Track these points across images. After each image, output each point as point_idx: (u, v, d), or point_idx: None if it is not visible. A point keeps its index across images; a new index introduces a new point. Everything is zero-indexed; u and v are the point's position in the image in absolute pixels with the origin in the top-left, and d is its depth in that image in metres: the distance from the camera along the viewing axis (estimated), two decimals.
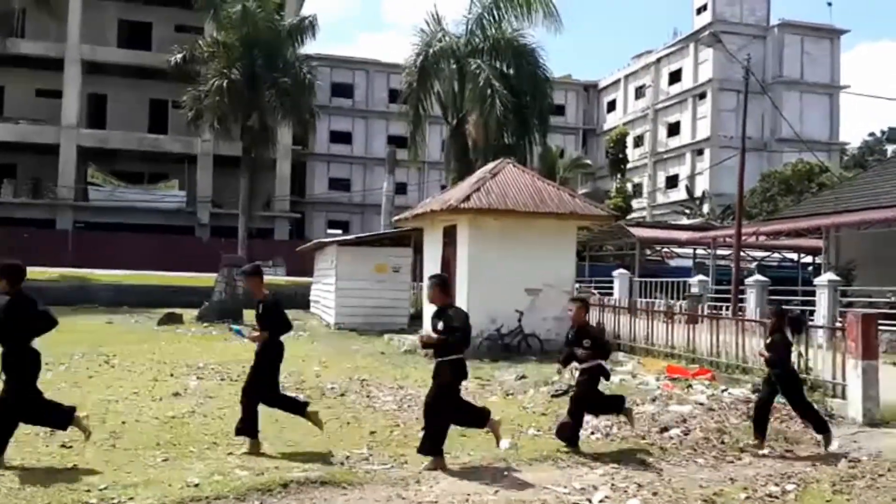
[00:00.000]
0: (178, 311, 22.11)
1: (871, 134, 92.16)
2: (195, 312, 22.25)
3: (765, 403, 8.40)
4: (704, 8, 53.64)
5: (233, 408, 9.48)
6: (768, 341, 8.50)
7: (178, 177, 47.12)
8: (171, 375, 11.84)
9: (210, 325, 20.79)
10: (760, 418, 8.35)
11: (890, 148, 79.07)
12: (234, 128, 32.87)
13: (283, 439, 8.01)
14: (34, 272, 28.64)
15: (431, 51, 26.82)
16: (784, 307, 8.87)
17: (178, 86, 33.85)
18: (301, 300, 28.34)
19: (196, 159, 46.16)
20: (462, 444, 8.11)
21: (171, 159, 46.84)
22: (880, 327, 9.78)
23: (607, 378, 8.08)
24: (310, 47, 35.36)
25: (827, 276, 19.04)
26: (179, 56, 32.23)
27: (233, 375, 12.06)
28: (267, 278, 32.83)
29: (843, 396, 9.84)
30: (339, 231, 51.07)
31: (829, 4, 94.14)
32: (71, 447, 7.33)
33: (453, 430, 8.73)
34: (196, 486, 6.28)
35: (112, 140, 45.41)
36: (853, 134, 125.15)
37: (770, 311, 9.08)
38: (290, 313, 29.88)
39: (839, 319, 12.74)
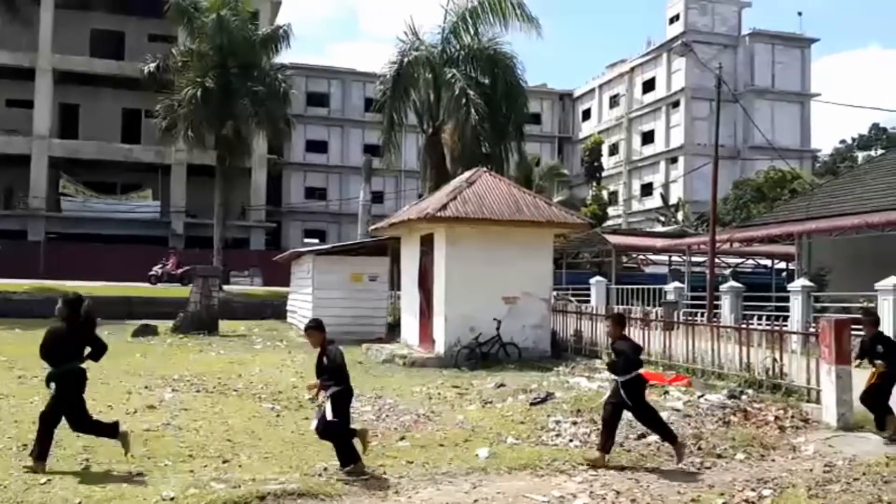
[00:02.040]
0: (152, 322, 21.85)
1: (842, 141, 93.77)
2: (170, 324, 22.01)
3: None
4: (677, 18, 54.29)
5: (209, 420, 9.42)
6: None
7: (152, 187, 46.71)
8: (146, 388, 11.69)
9: (185, 337, 20.57)
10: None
11: (861, 155, 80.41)
12: (209, 137, 32.67)
13: (260, 451, 7.94)
14: (5, 284, 28.34)
15: (407, 60, 26.80)
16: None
17: (151, 95, 33.59)
18: (278, 310, 28.21)
19: (170, 169, 45.79)
20: (441, 453, 8.09)
21: (145, 169, 46.44)
22: (853, 332, 9.87)
23: None
24: (284, 56, 35.27)
25: (800, 282, 19.25)
26: (153, 65, 32.03)
27: (208, 387, 11.95)
28: (243, 288, 32.43)
29: (818, 401, 9.94)
30: (316, 240, 50.91)
31: (800, 14, 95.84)
32: None
33: (432, 440, 8.73)
34: (171, 499, 6.21)
35: (84, 150, 44.93)
36: (824, 141, 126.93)
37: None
38: (267, 323, 29.45)
39: (812, 325, 12.87)
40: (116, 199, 46.54)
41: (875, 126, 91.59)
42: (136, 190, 47.25)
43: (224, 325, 22.85)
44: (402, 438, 8.75)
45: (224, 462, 7.49)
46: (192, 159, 42.13)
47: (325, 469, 7.31)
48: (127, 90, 42.79)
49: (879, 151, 64.80)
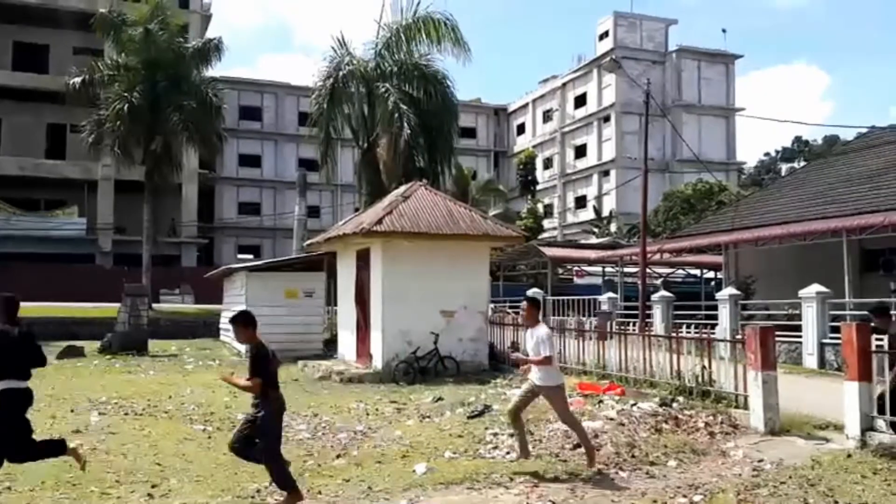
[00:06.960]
0: (79, 343, 21.17)
1: (767, 154, 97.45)
2: (98, 344, 21.35)
3: None
4: (606, 34, 55.53)
5: (138, 444, 9.14)
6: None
7: (78, 203, 45.31)
8: (72, 412, 11.28)
9: (113, 358, 19.97)
10: None
11: (784, 167, 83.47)
12: (137, 152, 31.92)
13: (191, 474, 7.74)
14: None
15: (341, 74, 26.72)
16: None
17: (77, 109, 32.67)
18: (211, 329, 27.64)
19: (97, 185, 44.54)
20: (378, 470, 8.02)
21: (71, 185, 45.02)
22: (778, 339, 10.16)
23: None
24: (216, 69, 34.77)
25: (728, 291, 19.80)
26: (78, 79, 31.15)
27: (137, 409, 11.62)
28: (174, 306, 31.74)
29: (746, 407, 10.19)
30: (251, 256, 50.12)
31: (724, 31, 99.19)
32: None
33: (369, 456, 8.64)
34: None
35: (6, 166, 43.38)
36: (749, 154, 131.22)
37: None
38: (199, 342, 28.86)
39: (739, 332, 13.23)
40: (40, 217, 44.96)
41: (798, 139, 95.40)
42: (61, 207, 45.75)
43: (154, 344, 22.28)
44: (339, 456, 8.64)
45: (153, 487, 7.28)
46: (119, 175, 40.89)
47: (258, 491, 7.17)
48: (52, 104, 41.50)
49: (802, 163, 67.38)
